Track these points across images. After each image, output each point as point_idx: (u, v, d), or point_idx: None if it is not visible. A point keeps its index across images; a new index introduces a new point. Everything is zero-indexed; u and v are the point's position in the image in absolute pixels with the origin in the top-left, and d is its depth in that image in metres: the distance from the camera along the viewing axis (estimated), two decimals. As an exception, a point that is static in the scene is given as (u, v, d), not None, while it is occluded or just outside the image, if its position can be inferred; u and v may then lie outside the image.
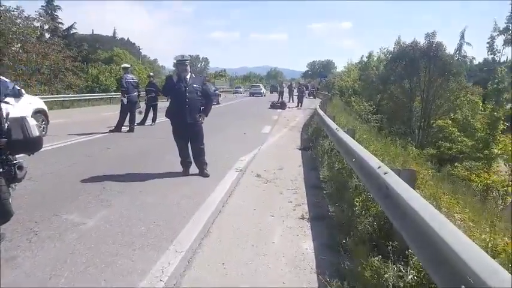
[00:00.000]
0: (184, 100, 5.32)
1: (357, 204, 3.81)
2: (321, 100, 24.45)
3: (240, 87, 57.39)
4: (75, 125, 11.71)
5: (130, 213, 3.93)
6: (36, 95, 20.12)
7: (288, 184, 5.36)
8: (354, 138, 5.73)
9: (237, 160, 6.89)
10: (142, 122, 11.68)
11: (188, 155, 5.68)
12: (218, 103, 25.41)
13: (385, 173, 2.94)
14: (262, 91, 42.25)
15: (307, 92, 33.93)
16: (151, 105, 11.94)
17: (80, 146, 7.91)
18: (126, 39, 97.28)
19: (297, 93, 29.21)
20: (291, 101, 31.09)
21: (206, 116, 5.65)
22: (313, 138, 9.17)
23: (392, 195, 2.74)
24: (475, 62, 37.13)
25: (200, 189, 4.89)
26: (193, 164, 5.77)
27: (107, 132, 9.87)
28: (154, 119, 11.96)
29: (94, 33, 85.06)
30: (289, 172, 6.13)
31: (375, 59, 28.61)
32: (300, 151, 8.27)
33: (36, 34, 20.94)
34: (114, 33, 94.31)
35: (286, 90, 32.67)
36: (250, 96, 41.51)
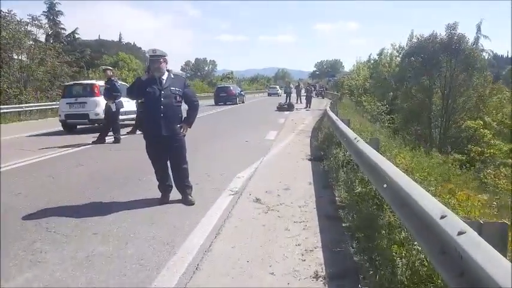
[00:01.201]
0: (159, 107, 4.12)
1: (398, 261, 2.54)
2: (330, 101, 23.13)
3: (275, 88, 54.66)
4: (59, 136, 10.63)
5: (65, 275, 2.73)
6: (28, 102, 19.37)
7: (296, 213, 4.12)
8: (378, 151, 4.48)
9: (234, 177, 5.67)
10: (134, 131, 10.54)
11: (167, 178, 4.47)
12: (243, 102, 30.84)
13: (460, 233, 1.68)
14: (278, 91, 46.66)
15: (314, 92, 32.60)
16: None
17: (49, 163, 6.77)
18: (132, 43, 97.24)
19: (305, 94, 28.05)
20: (299, 102, 29.84)
21: (189, 126, 4.44)
22: (324, 146, 7.90)
23: (473, 272, 1.51)
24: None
25: (178, 227, 3.67)
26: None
27: (89, 144, 8.73)
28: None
29: (100, 38, 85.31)
30: (296, 193, 4.88)
31: (387, 55, 27.11)
32: (310, 162, 7.02)
33: (29, 39, 20.00)
34: (120, 38, 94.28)
35: (294, 91, 31.43)
36: (268, 96, 47.57)
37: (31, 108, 18.04)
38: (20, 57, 19.85)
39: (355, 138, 4.79)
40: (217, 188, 5.06)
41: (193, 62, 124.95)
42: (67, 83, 14.89)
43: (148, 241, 3.33)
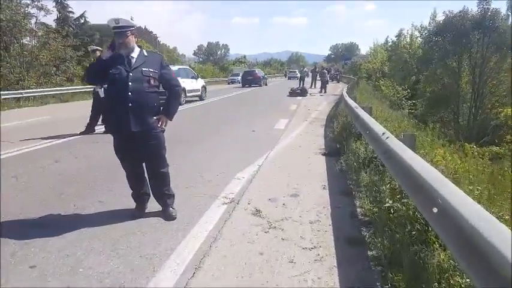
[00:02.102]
0: (126, 94, 3.15)
1: None
2: (346, 85, 21.82)
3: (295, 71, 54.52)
4: (48, 125, 9.82)
5: None
6: (30, 87, 18.69)
7: (305, 233, 3.14)
8: (414, 150, 3.43)
9: (232, 178, 4.71)
10: (89, 129, 9.54)
11: (142, 184, 3.53)
12: (266, 84, 33.43)
13: None
14: (297, 75, 47.69)
15: (329, 76, 31.17)
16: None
17: (22, 158, 5.92)
18: (143, 27, 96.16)
19: (319, 78, 26.82)
20: (313, 86, 28.57)
21: (170, 118, 3.46)
22: (341, 138, 6.85)
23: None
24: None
25: (148, 256, 2.75)
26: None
27: (77, 135, 7.86)
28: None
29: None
30: (307, 202, 3.90)
31: (407, 36, 25.40)
32: (324, 158, 5.99)
33: (29, 21, 19.19)
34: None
35: (310, 75, 30.09)
36: (288, 79, 46.57)
37: (31, 94, 17.34)
38: (21, 41, 19.07)
39: (383, 134, 3.74)
40: (210, 194, 4.11)
41: (205, 46, 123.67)
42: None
43: (100, 282, 2.41)
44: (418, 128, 7.45)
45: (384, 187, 3.83)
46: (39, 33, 20.40)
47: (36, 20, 20.37)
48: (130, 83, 3.15)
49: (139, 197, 3.53)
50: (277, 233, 3.14)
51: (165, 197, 3.47)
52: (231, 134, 8.25)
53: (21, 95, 16.87)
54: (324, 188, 4.41)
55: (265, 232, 3.16)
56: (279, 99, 18.46)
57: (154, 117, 3.33)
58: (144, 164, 3.47)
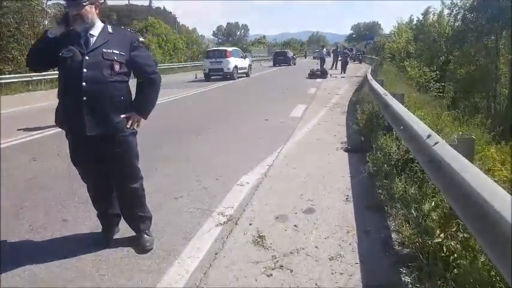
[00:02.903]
0: (79, 84, 2.30)
1: None
2: (369, 66, 20.45)
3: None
4: (45, 113, 9.15)
5: None
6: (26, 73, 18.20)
7: (323, 278, 2.28)
8: (473, 160, 2.50)
9: (234, 185, 3.86)
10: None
11: (110, 204, 2.71)
12: (294, 64, 35.03)
13: None
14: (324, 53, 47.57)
15: (350, 56, 29.62)
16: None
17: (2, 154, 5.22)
18: (162, 8, 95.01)
19: (341, 59, 25.45)
20: (334, 67, 27.17)
21: (144, 116, 2.61)
22: (366, 130, 5.87)
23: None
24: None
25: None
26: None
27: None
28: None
29: (129, 3, 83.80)
30: (326, 223, 3.02)
31: (436, 14, 23.41)
32: (346, 155, 5.06)
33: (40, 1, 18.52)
34: (150, 2, 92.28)
35: (331, 55, 28.64)
36: (313, 59, 46.21)
37: (41, 78, 16.83)
38: (34, 21, 18.45)
39: (429, 137, 2.78)
40: (203, 209, 3.28)
41: (225, 27, 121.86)
42: (208, 49, 25.67)
43: None
44: (460, 121, 6.33)
45: (427, 205, 2.91)
46: (51, 13, 19.66)
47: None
48: (85, 70, 2.30)
49: (107, 219, 2.73)
50: (285, 277, 2.29)
51: (138, 220, 2.66)
52: (241, 123, 7.38)
53: (30, 78, 16.36)
54: (347, 199, 3.51)
55: (268, 275, 2.32)
56: (298, 80, 17.39)
57: (122, 116, 2.48)
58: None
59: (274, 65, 33.72)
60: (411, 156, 3.86)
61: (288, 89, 13.88)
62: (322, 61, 27.20)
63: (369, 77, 9.55)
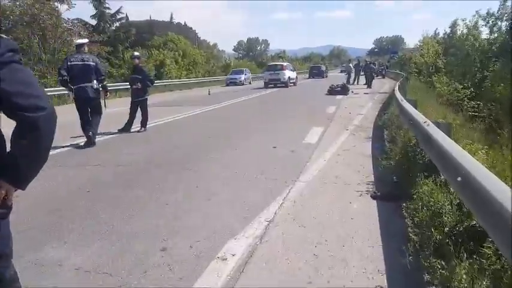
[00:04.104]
0: None
1: None
2: (395, 82, 19.04)
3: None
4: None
5: None
6: (51, 86, 17.73)
7: None
8: None
9: (212, 260, 2.66)
10: (127, 128, 7.89)
11: None
12: (326, 76, 39.27)
13: None
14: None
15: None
16: (137, 101, 8.02)
17: None
18: (183, 23, 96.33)
19: (363, 73, 24.37)
20: (356, 82, 25.87)
21: (18, 185, 1.43)
22: (399, 168, 4.57)
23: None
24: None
25: None
26: None
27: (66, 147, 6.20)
28: (143, 123, 8.07)
29: (151, 19, 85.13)
30: None
31: (469, 26, 21.57)
32: (374, 203, 3.79)
33: (49, 16, 18.11)
34: (171, 18, 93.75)
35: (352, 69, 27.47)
36: (340, 72, 47.76)
37: (50, 94, 16.26)
38: (39, 36, 18.09)
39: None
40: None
41: (245, 42, 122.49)
42: (269, 64, 31.75)
43: None
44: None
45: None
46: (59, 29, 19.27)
47: (57, 14, 19.26)
48: None
49: None
50: None
51: None
52: (244, 151, 6.21)
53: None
54: (379, 294, 2.25)
55: None
56: (316, 97, 16.17)
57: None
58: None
59: (309, 77, 39.06)
60: (473, 222, 2.61)
61: (307, 106, 12.69)
62: (349, 76, 25.93)
63: (398, 95, 8.23)
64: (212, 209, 3.60)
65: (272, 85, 25.19)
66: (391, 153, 5.38)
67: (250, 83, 32.35)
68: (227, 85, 29.88)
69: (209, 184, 4.40)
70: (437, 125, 4.11)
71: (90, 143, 6.44)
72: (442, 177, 3.65)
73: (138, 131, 7.91)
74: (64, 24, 20.25)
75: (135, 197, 3.93)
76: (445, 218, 2.87)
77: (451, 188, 3.33)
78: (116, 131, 7.69)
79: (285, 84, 25.02)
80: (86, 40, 7.36)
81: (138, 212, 3.50)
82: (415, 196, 3.60)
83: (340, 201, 3.83)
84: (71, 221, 3.32)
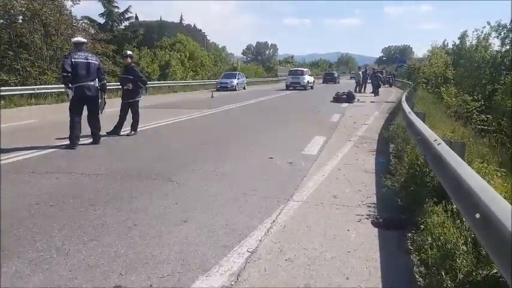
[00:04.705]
0: None
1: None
2: (402, 92, 18.54)
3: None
4: (29, 131, 7.89)
5: None
6: (51, 83, 17.42)
7: None
8: None
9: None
10: (116, 131, 7.46)
11: None
12: (339, 82, 43.12)
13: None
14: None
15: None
16: (128, 103, 7.59)
17: None
18: (192, 25, 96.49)
19: (370, 81, 23.96)
20: (363, 90, 25.37)
21: None
22: (406, 191, 4.07)
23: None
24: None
25: None
26: None
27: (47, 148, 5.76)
28: (134, 126, 7.64)
29: (161, 19, 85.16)
30: None
31: (479, 37, 21.03)
32: (376, 232, 3.30)
33: (53, 11, 17.78)
34: (181, 19, 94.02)
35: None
36: (350, 79, 52.56)
37: (44, 91, 15.95)
38: (42, 31, 17.75)
39: None
40: None
41: (254, 46, 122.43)
42: (290, 69, 36.92)
43: None
44: None
45: None
46: (62, 25, 18.91)
47: (61, 10, 18.93)
48: None
49: None
50: None
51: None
52: (237, 161, 5.74)
53: (33, 91, 15.45)
54: None
55: None
56: (322, 104, 15.68)
57: None
58: None
59: (323, 83, 42.20)
60: (498, 274, 2.13)
61: (311, 112, 12.21)
62: (358, 83, 25.48)
63: (405, 107, 7.73)
64: (187, 233, 3.12)
65: (292, 88, 29.22)
66: (396, 172, 4.87)
67: (244, 88, 29.92)
68: (217, 90, 27.16)
69: (191, 201, 3.93)
70: (450, 144, 3.62)
71: (97, 140, 6.70)
72: (455, 206, 3.18)
73: (128, 135, 7.47)
74: (69, 21, 19.93)
75: (102, 215, 3.46)
76: (459, 261, 2.38)
77: (464, 221, 2.86)
78: (105, 133, 7.24)
79: (304, 87, 28.85)
80: (84, 40, 7.07)
81: (100, 235, 3.03)
82: (422, 226, 3.13)
83: (336, 229, 3.35)
84: (18, 243, 2.87)
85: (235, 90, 27.25)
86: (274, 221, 3.45)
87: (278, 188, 4.45)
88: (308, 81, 29.87)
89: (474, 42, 23.80)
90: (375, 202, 4.05)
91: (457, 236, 2.67)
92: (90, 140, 6.80)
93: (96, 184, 4.43)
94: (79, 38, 6.86)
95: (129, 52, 7.79)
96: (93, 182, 4.52)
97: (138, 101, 7.67)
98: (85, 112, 6.66)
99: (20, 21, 17.58)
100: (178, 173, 4.97)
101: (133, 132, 7.56)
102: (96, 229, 3.15)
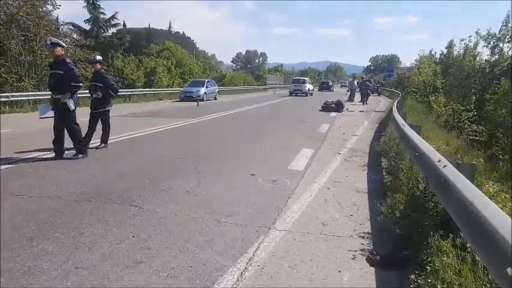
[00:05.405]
0: None
1: None
2: (391, 101, 18.22)
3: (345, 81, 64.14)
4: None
5: None
6: (28, 90, 16.59)
7: None
8: None
9: None
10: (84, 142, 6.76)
11: None
12: (332, 90, 45.59)
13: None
14: (347, 84, 51.94)
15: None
16: (98, 112, 6.92)
17: None
18: (181, 33, 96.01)
19: (358, 90, 23.76)
20: (352, 99, 25.08)
21: None
22: (406, 219, 3.51)
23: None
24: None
25: None
26: None
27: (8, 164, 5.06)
28: (104, 138, 6.98)
29: (150, 27, 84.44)
30: None
31: (468, 47, 20.87)
32: (373, 272, 2.73)
33: (30, 15, 17.00)
34: (170, 27, 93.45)
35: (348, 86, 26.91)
36: (340, 87, 60.95)
37: (20, 98, 15.13)
38: (19, 36, 16.94)
39: None
40: None
41: (244, 54, 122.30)
42: (294, 78, 43.39)
43: None
44: None
45: None
46: (40, 30, 18.10)
47: (39, 14, 18.13)
48: None
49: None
50: None
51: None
52: (213, 180, 5.12)
53: (7, 99, 14.62)
54: None
55: None
56: (311, 113, 15.19)
57: None
58: None
59: (319, 91, 44.53)
60: None
61: (299, 122, 11.68)
62: (352, 93, 25.23)
63: (398, 118, 7.25)
64: (138, 280, 2.51)
65: (294, 94, 33.40)
66: (391, 193, 4.32)
67: (215, 99, 25.62)
68: (181, 100, 23.19)
69: (151, 232, 3.30)
70: (457, 165, 3.09)
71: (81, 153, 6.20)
72: (463, 238, 2.66)
73: (97, 148, 6.79)
74: (48, 26, 19.14)
75: (38, 254, 2.82)
76: None
77: (480, 263, 2.33)
78: (72, 146, 6.55)
79: (305, 94, 33.25)
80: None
81: (29, 284, 2.40)
82: (428, 268, 2.56)
83: (326, 269, 2.76)
84: None
85: (202, 100, 22.51)
86: (250, 259, 2.85)
87: (258, 213, 3.86)
88: (309, 88, 34.36)
89: (461, 51, 23.78)
90: (370, 231, 3.49)
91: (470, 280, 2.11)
92: (53, 155, 6.13)
93: (42, 210, 3.77)
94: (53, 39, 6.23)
95: (98, 57, 7.12)
96: (40, 207, 3.85)
97: (108, 110, 7.00)
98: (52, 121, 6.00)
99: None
100: (145, 194, 4.34)
101: (103, 144, 6.89)
102: (25, 275, 2.51)
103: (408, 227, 3.25)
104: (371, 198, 4.46)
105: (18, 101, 15.29)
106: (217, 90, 27.46)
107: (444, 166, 2.99)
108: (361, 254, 2.99)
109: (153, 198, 4.23)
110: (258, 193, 4.54)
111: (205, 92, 23.88)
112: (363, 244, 3.17)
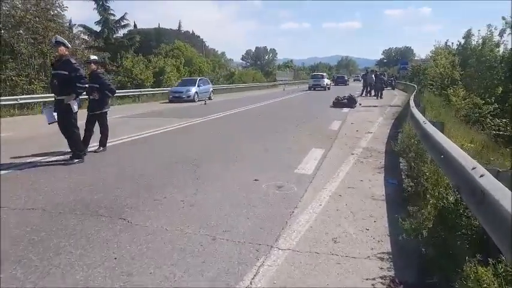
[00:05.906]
0: None
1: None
2: (406, 94, 17.49)
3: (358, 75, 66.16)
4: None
5: None
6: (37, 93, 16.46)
7: None
8: None
9: None
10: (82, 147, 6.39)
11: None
12: (348, 84, 48.62)
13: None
14: (360, 78, 52.62)
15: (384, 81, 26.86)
16: (95, 114, 6.55)
17: None
18: (190, 32, 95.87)
19: (374, 84, 23.14)
20: (365, 94, 24.37)
21: None
22: (435, 238, 2.98)
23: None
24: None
25: None
26: None
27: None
28: (102, 141, 6.61)
29: (159, 27, 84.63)
30: None
31: (488, 38, 19.78)
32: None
33: (38, 17, 16.85)
34: (179, 26, 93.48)
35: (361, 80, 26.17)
36: (353, 81, 62.90)
37: (28, 101, 14.99)
38: (28, 39, 16.82)
39: None
40: None
41: (253, 51, 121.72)
42: (312, 73, 49.69)
43: None
44: None
45: None
46: (49, 32, 17.99)
47: (47, 16, 18.00)
48: None
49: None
50: None
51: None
52: (211, 187, 4.66)
53: (16, 101, 14.48)
54: None
55: None
56: (322, 109, 14.62)
57: None
58: None
59: (335, 85, 44.72)
60: None
61: (311, 118, 11.15)
62: (370, 87, 24.49)
63: (417, 115, 6.67)
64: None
65: (313, 88, 35.61)
66: (412, 202, 3.78)
67: (210, 99, 23.06)
68: (170, 101, 21.40)
69: (136, 253, 2.87)
70: (496, 173, 2.55)
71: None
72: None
73: (95, 151, 6.43)
74: (57, 28, 19.03)
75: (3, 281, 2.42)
76: None
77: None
78: (68, 150, 6.19)
79: (324, 88, 35.30)
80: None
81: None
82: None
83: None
84: None
85: (193, 101, 20.91)
86: (246, 290, 2.39)
87: (260, 226, 3.39)
88: (327, 83, 36.91)
89: (480, 41, 22.68)
90: (390, 250, 2.98)
91: None
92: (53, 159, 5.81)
93: (21, 225, 3.38)
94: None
95: (92, 57, 6.74)
96: (19, 221, 3.48)
97: (106, 112, 6.63)
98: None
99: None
100: (136, 204, 3.92)
101: (101, 148, 6.52)
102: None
103: (436, 246, 2.73)
104: (390, 207, 3.94)
105: (29, 104, 15.18)
106: (211, 89, 25.07)
107: (481, 176, 2.46)
108: (381, 283, 2.49)
109: (145, 209, 3.81)
110: (261, 202, 4.07)
111: (196, 92, 21.79)
112: (382, 269, 2.67)
